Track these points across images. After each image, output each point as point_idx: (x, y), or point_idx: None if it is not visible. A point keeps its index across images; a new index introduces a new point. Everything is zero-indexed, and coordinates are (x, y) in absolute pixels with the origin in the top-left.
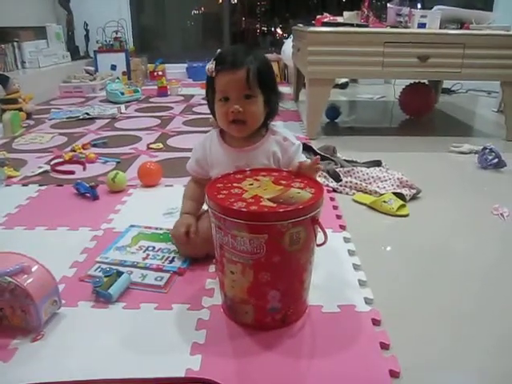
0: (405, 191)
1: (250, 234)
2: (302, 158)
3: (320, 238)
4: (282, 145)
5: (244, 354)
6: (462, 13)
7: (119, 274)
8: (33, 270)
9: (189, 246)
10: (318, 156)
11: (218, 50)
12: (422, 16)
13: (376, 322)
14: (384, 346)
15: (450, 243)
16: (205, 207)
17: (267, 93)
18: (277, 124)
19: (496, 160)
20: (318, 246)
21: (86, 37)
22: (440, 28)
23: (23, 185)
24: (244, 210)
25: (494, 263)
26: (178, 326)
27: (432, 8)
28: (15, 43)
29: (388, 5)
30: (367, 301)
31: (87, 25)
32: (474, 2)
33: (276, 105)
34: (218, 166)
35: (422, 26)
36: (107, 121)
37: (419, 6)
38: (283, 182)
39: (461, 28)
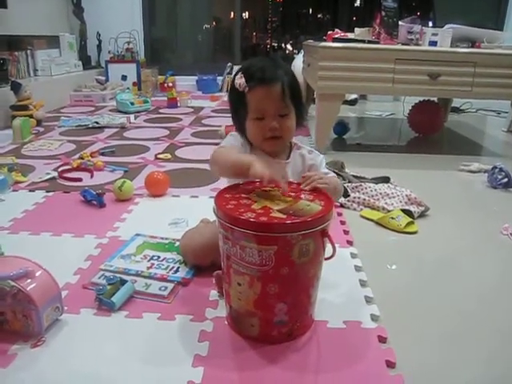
0: (413, 208)
1: (259, 245)
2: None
3: (328, 251)
4: (307, 157)
5: (247, 367)
6: (473, 32)
7: (123, 282)
8: (36, 274)
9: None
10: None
11: (229, 64)
12: (433, 34)
13: (382, 340)
14: (390, 365)
15: (458, 261)
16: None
17: (298, 107)
18: None
19: (506, 180)
20: (326, 259)
21: (99, 47)
22: (451, 46)
23: (30, 190)
24: (253, 220)
25: (502, 282)
26: (180, 337)
27: (443, 26)
28: (28, 51)
29: (400, 22)
30: (373, 317)
31: (100, 35)
32: (484, 21)
33: (304, 118)
34: None
35: (433, 43)
36: (116, 130)
37: (430, 24)
38: (292, 194)
39: (472, 47)
